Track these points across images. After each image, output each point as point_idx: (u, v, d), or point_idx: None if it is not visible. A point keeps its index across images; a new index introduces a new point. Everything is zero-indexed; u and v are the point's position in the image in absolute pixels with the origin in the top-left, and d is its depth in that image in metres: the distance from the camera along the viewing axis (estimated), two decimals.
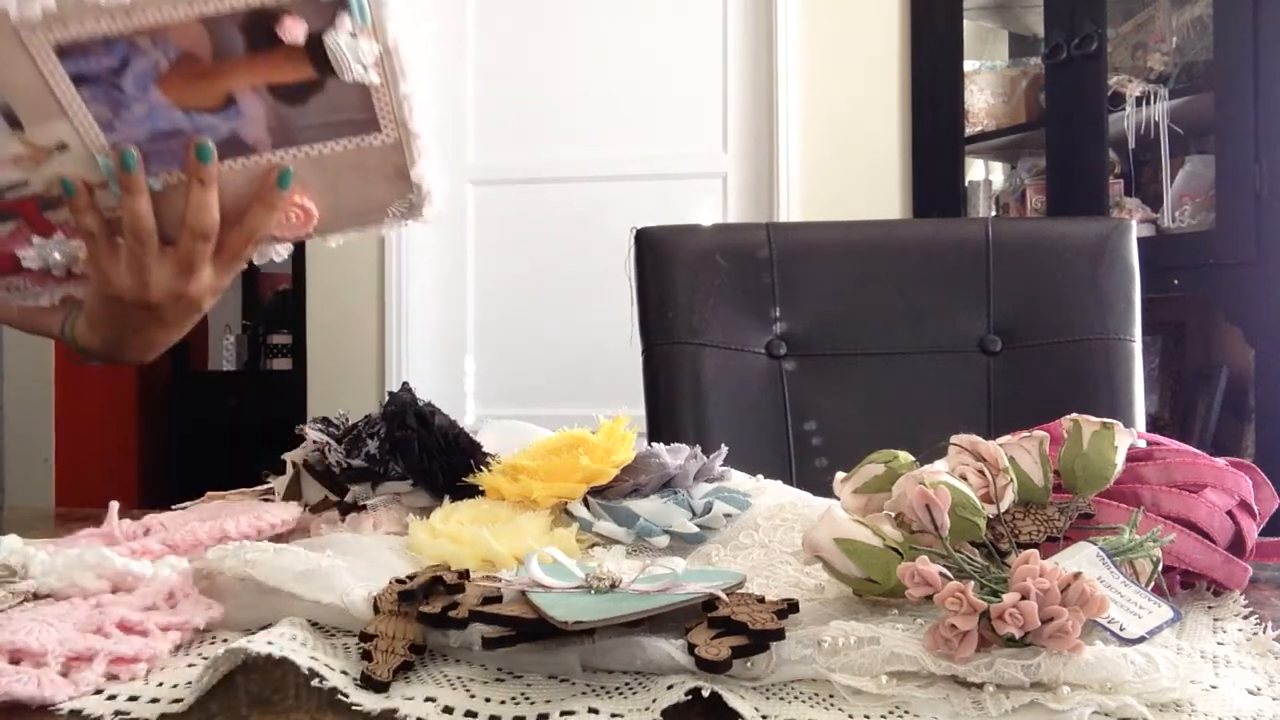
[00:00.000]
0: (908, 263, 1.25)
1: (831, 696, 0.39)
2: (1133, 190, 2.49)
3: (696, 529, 0.65)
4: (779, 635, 0.41)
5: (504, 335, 3.03)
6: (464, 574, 0.52)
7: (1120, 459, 0.50)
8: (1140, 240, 1.24)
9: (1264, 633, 0.47)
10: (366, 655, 0.42)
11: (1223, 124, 2.21)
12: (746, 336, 1.22)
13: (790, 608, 0.45)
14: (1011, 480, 0.49)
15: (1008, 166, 2.96)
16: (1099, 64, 2.41)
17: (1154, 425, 2.22)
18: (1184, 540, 0.52)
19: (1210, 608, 0.52)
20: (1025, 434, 0.52)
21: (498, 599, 0.47)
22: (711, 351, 1.21)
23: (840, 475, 0.56)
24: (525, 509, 0.66)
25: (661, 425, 1.21)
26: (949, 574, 0.42)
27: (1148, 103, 2.35)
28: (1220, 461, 0.55)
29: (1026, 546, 0.47)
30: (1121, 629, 0.41)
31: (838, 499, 0.55)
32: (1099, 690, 0.38)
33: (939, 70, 2.80)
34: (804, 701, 0.39)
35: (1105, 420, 0.51)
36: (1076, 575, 0.39)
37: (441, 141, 3.11)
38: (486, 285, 3.08)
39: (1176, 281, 2.21)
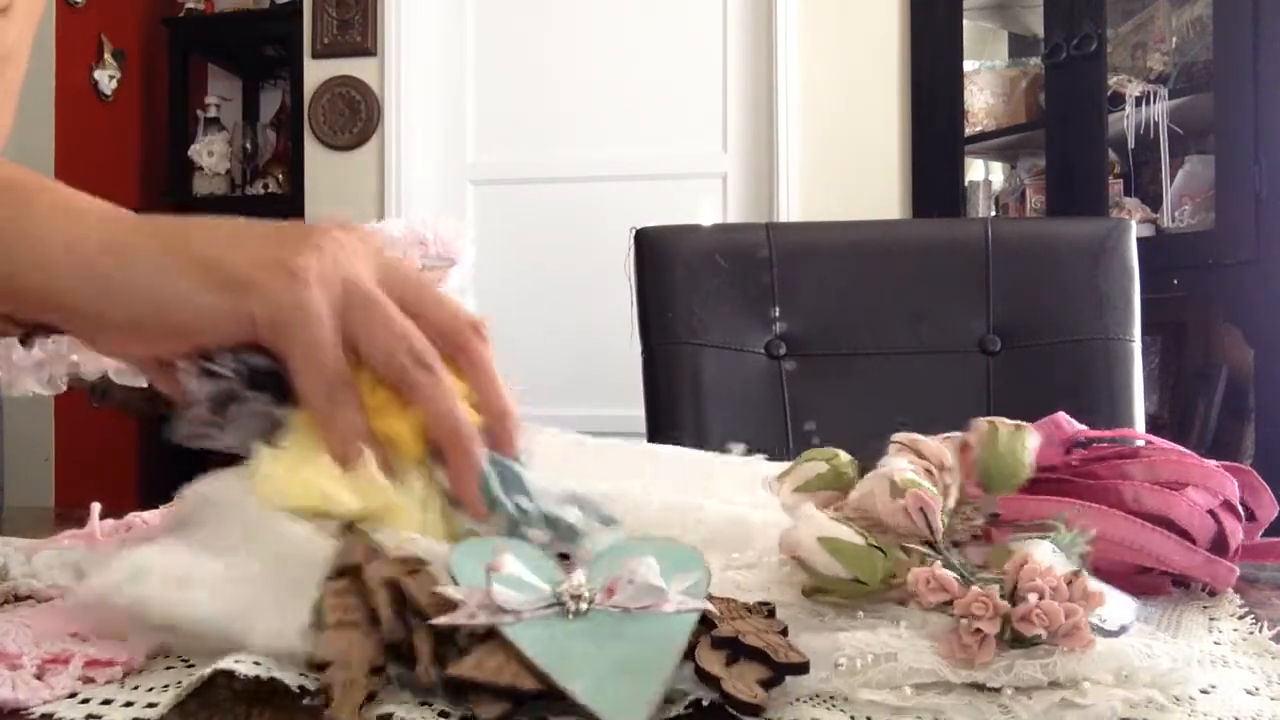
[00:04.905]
0: (908, 263, 1.25)
1: (844, 699, 0.39)
2: (1132, 190, 2.49)
3: (612, 519, 0.52)
4: (804, 669, 0.38)
5: (504, 335, 3.02)
6: (391, 558, 0.42)
7: (1031, 459, 0.50)
8: (1140, 240, 1.24)
9: (1260, 632, 0.47)
10: (323, 693, 0.35)
11: (1222, 124, 2.21)
12: (746, 336, 1.22)
13: (769, 614, 0.43)
14: (955, 479, 0.49)
15: (1007, 166, 2.96)
16: (1099, 64, 2.41)
17: (1154, 425, 2.23)
18: (1163, 542, 0.52)
19: (1205, 608, 0.52)
20: (945, 435, 0.52)
21: (451, 605, 0.39)
22: (711, 351, 1.21)
23: (774, 472, 0.54)
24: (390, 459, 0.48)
25: (661, 425, 1.21)
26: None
27: (1147, 103, 2.35)
28: (1211, 463, 0.55)
29: (955, 545, 0.47)
30: (1103, 620, 0.41)
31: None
32: (1116, 683, 0.38)
33: (939, 70, 2.80)
34: (810, 704, 0.39)
35: (1018, 422, 0.51)
36: (1076, 573, 0.39)
37: (442, 141, 3.12)
38: (486, 285, 3.08)
39: (1176, 281, 2.21)
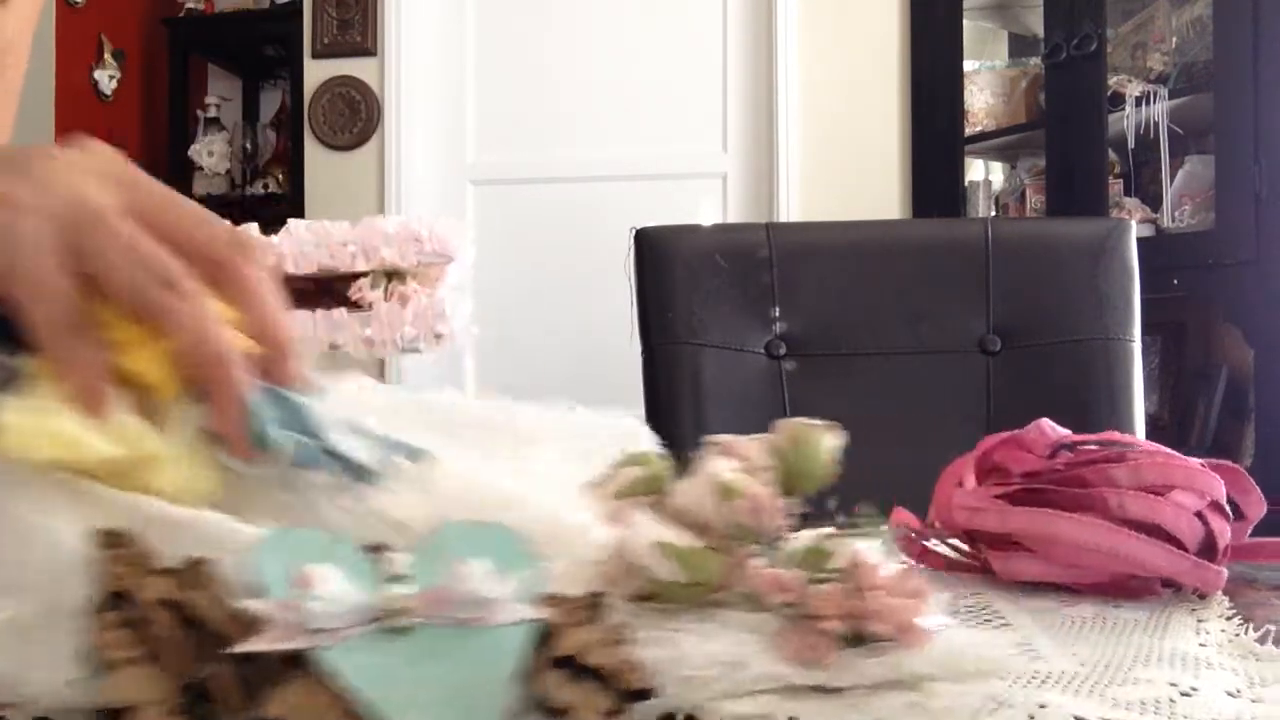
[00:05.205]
0: (908, 263, 1.25)
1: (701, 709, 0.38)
2: (1133, 190, 2.49)
3: (421, 453, 0.46)
4: (649, 695, 0.35)
5: (504, 335, 3.03)
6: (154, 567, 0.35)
7: (830, 461, 0.49)
8: (1140, 240, 1.24)
9: (1246, 634, 0.47)
10: None
11: (1222, 124, 2.21)
12: (746, 336, 1.22)
13: (603, 609, 0.39)
14: (774, 479, 0.48)
15: (1007, 166, 2.96)
16: (1099, 64, 2.41)
17: (1154, 425, 2.23)
18: (1149, 549, 0.51)
19: (1194, 609, 0.52)
20: (753, 437, 0.51)
21: (255, 624, 0.33)
22: (711, 352, 1.21)
23: (586, 480, 0.51)
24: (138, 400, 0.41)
25: (661, 425, 1.21)
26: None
27: (1147, 103, 2.35)
28: (1195, 462, 0.55)
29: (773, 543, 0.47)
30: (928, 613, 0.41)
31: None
32: (949, 675, 0.38)
33: (939, 70, 2.80)
34: None
35: (818, 424, 0.50)
36: (906, 570, 0.40)
37: (442, 141, 3.12)
38: (486, 285, 3.08)
39: (1176, 281, 2.21)
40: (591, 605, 0.38)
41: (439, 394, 0.57)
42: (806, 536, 0.44)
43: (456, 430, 0.53)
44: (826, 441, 0.48)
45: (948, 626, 0.40)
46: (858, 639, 0.38)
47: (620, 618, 0.40)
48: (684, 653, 0.38)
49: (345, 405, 0.44)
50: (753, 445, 0.48)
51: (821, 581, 0.40)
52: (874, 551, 0.42)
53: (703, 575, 0.44)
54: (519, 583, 0.37)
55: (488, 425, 0.56)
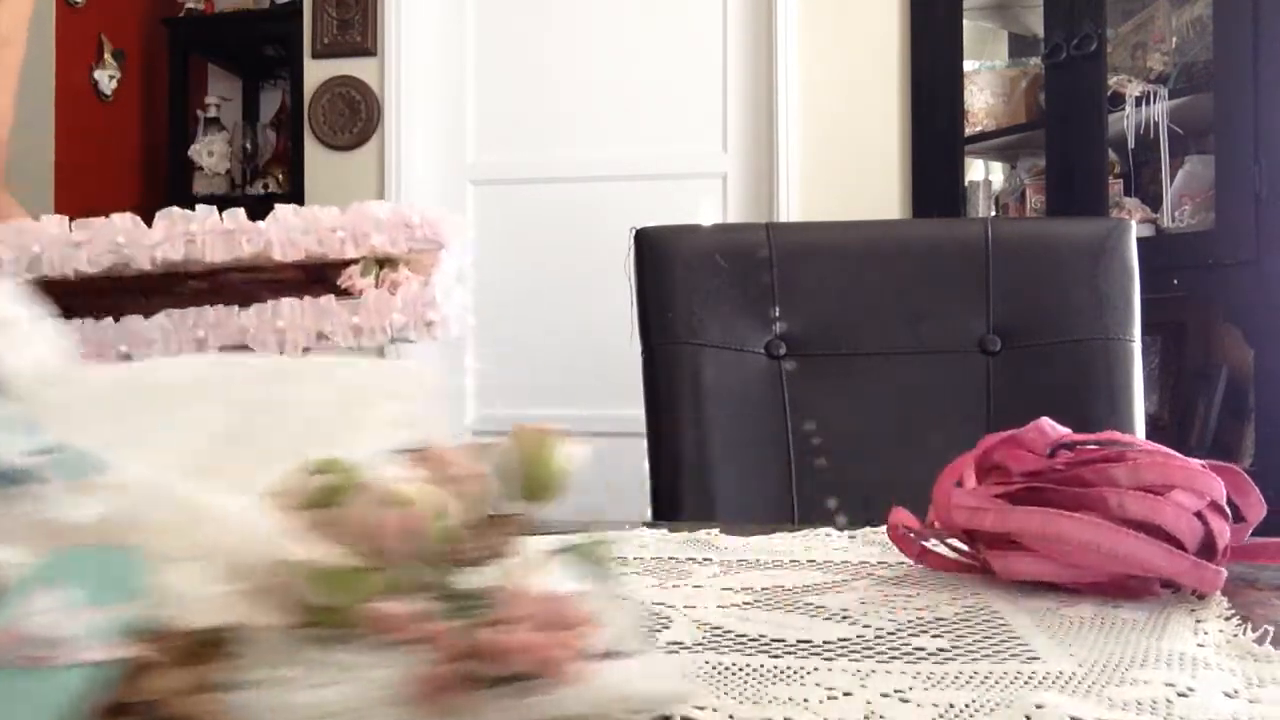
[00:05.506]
0: (908, 263, 1.25)
1: None
2: (1132, 190, 2.49)
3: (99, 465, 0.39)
4: None
5: (504, 335, 3.03)
6: None
7: (565, 469, 0.46)
8: (1140, 240, 1.24)
9: (1244, 634, 0.47)
10: None
11: (1222, 124, 2.21)
12: (746, 336, 1.22)
13: (222, 645, 0.35)
14: (470, 492, 0.43)
15: (1007, 166, 2.96)
16: (1098, 64, 2.41)
17: (1154, 425, 2.23)
18: (1149, 549, 0.51)
19: (1193, 610, 0.52)
20: (477, 442, 0.48)
21: None
22: (711, 352, 1.21)
23: (263, 487, 0.44)
24: None
25: (661, 425, 1.21)
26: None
27: (1147, 103, 2.35)
28: (1195, 463, 0.55)
29: (474, 563, 0.41)
30: (604, 642, 0.37)
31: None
32: (623, 714, 0.36)
33: (939, 70, 2.80)
34: None
35: (550, 429, 0.47)
36: (568, 595, 0.36)
37: (442, 141, 3.12)
38: (486, 285, 3.08)
39: (1176, 281, 2.21)
40: (206, 642, 0.34)
41: (178, 362, 0.52)
42: (528, 552, 0.40)
43: (188, 402, 0.46)
44: (561, 448, 0.44)
45: (614, 657, 0.36)
46: (507, 679, 0.34)
47: (245, 655, 0.34)
48: (290, 700, 0.33)
49: (25, 395, 0.38)
50: (458, 452, 0.43)
51: (477, 612, 0.35)
52: (562, 574, 0.38)
53: (347, 600, 0.37)
54: (107, 617, 0.32)
55: (228, 397, 0.48)
